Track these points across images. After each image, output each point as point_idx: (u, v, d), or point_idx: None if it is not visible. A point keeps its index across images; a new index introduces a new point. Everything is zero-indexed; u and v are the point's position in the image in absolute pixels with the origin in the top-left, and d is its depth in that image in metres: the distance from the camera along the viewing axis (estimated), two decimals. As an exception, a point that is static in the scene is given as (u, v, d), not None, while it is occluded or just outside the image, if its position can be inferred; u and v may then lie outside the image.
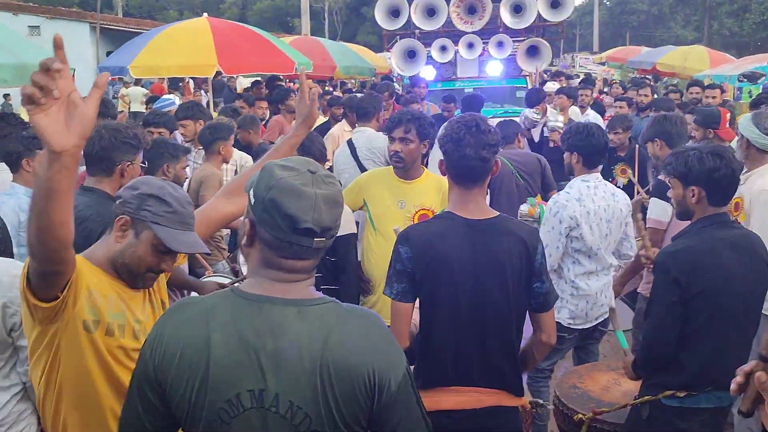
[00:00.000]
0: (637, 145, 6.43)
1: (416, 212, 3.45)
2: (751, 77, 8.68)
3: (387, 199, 3.56)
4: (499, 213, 2.48)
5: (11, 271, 2.20)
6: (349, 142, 5.04)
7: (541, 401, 2.85)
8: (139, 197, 1.99)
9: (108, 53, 18.97)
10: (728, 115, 4.94)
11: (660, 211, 3.76)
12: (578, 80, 14.09)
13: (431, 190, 3.54)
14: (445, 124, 2.56)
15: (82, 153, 2.94)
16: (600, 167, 3.70)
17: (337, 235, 1.56)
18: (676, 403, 2.63)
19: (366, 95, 6.17)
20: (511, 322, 2.42)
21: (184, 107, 5.88)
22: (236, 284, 1.59)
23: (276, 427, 1.45)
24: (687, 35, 41.55)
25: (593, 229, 3.54)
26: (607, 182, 3.74)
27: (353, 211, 3.62)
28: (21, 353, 2.28)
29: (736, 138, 4.05)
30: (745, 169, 3.75)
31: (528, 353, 2.58)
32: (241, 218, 1.59)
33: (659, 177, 3.89)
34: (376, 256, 3.55)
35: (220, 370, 1.44)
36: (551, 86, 9.60)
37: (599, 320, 3.75)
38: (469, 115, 2.52)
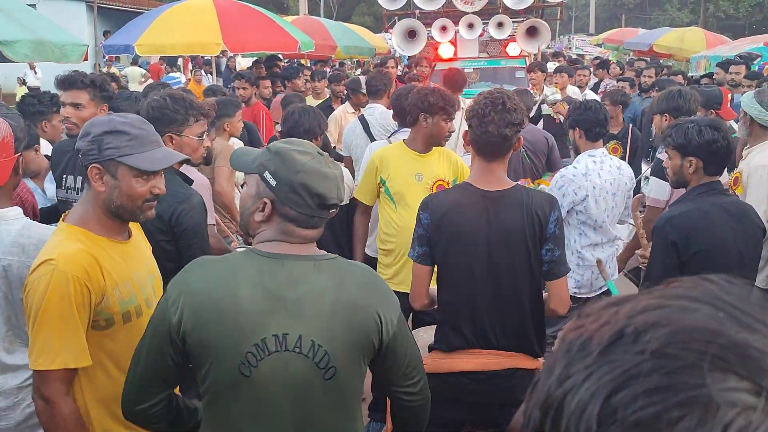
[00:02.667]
0: (630, 125, 6.51)
1: (434, 183, 3.55)
2: (747, 58, 8.83)
3: (405, 174, 3.62)
4: (515, 183, 2.57)
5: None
6: (362, 119, 5.15)
7: (553, 361, 2.98)
8: (95, 141, 1.96)
9: (105, 32, 18.81)
10: (729, 96, 5.06)
11: (659, 190, 3.87)
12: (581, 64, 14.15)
13: (444, 162, 3.66)
14: (474, 97, 2.64)
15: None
16: (601, 140, 3.82)
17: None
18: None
19: (375, 73, 6.23)
20: (525, 288, 2.51)
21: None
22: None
23: (298, 366, 1.64)
24: (683, 17, 41.43)
25: (599, 202, 3.67)
26: (612, 156, 3.88)
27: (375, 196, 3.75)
28: None
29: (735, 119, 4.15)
30: (747, 146, 3.88)
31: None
32: (244, 196, 1.78)
33: (658, 155, 4.00)
34: (398, 228, 3.60)
35: (248, 318, 1.62)
36: (550, 66, 9.69)
37: (603, 290, 3.89)
38: (497, 91, 2.57)
